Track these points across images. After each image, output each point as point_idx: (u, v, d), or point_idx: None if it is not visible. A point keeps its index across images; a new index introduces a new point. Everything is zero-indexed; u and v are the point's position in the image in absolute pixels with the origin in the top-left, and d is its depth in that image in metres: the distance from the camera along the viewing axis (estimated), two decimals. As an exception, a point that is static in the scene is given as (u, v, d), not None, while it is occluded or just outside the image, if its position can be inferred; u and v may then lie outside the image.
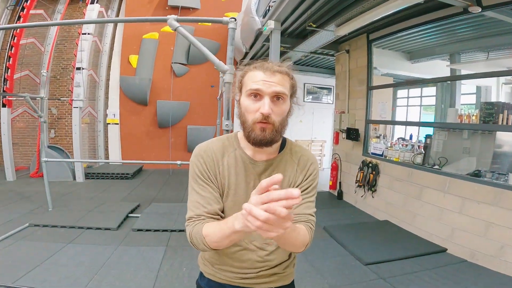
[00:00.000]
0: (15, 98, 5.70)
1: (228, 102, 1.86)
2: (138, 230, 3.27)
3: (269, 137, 0.82)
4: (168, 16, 1.88)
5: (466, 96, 3.79)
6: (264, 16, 3.83)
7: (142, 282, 2.26)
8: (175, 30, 1.86)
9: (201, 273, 1.03)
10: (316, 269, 2.55)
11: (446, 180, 3.04)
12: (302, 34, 4.48)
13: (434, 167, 3.34)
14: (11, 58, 5.64)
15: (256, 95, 0.81)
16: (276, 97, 0.81)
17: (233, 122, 2.02)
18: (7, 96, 5.44)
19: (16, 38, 5.61)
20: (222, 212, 0.90)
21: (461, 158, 3.37)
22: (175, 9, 6.90)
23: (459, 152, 3.39)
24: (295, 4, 3.15)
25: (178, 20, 1.86)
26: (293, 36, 4.62)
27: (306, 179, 0.94)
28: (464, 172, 3.04)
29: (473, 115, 3.20)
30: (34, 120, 6.49)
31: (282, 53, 5.14)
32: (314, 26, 3.77)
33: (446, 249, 2.93)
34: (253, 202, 0.54)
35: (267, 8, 3.78)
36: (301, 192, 0.91)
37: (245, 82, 0.85)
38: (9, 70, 5.58)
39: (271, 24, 3.26)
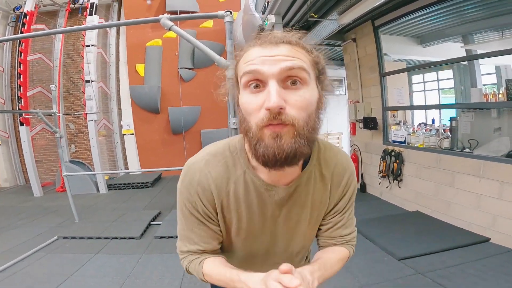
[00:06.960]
0: (31, 116, 5.74)
1: (233, 98, 1.78)
2: (161, 237, 3.27)
3: (289, 148, 0.50)
4: (161, 16, 1.83)
5: (486, 77, 3.57)
6: (263, 12, 3.75)
7: (168, 290, 2.23)
8: (169, 29, 1.81)
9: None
10: (344, 268, 2.38)
11: (480, 163, 2.83)
12: (305, 26, 4.33)
13: (464, 150, 3.13)
14: (21, 75, 5.55)
15: (256, 83, 0.52)
16: (290, 78, 0.51)
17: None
18: (23, 114, 5.48)
19: (22, 54, 5.58)
20: (236, 245, 0.74)
21: (493, 139, 3.14)
22: (173, 14, 6.81)
23: (489, 133, 3.16)
24: (293, -5, 3.03)
25: (171, 19, 1.80)
26: (296, 29, 4.47)
27: (343, 197, 0.72)
28: (498, 153, 2.81)
29: (499, 94, 2.98)
30: (54, 137, 6.67)
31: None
32: (316, 16, 3.64)
33: (489, 239, 2.71)
34: None
35: (266, 3, 3.70)
36: (338, 213, 0.74)
37: (239, 69, 0.57)
38: (21, 87, 5.54)
39: (272, 18, 3.17)
